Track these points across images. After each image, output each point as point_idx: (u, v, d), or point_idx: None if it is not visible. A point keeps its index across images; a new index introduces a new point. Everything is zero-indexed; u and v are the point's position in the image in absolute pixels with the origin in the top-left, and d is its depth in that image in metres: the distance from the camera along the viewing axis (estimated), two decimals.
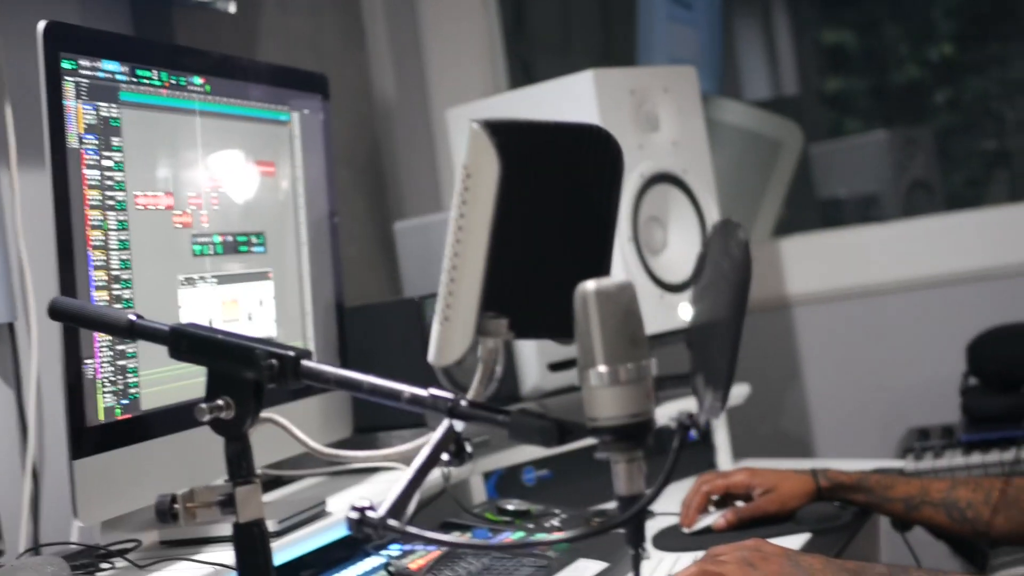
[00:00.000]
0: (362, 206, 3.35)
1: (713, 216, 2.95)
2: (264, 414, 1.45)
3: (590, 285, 1.27)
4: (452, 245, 1.32)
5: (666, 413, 1.36)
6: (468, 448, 1.38)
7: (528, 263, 1.39)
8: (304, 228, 2.35)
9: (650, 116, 2.90)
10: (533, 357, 2.69)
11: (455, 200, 1.33)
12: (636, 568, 1.33)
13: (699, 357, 1.45)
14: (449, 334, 1.34)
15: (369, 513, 1.31)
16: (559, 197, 1.41)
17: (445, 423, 1.34)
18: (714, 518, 2.32)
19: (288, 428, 1.45)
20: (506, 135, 1.32)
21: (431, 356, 1.35)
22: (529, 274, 1.39)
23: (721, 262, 1.41)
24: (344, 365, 2.34)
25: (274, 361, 1.39)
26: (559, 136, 1.44)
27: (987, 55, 4.03)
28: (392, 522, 1.30)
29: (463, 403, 1.32)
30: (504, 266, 1.34)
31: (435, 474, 2.30)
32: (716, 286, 1.46)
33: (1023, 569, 2.23)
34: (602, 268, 1.46)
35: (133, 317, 1.53)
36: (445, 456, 1.36)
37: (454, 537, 1.53)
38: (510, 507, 2.38)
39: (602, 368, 1.26)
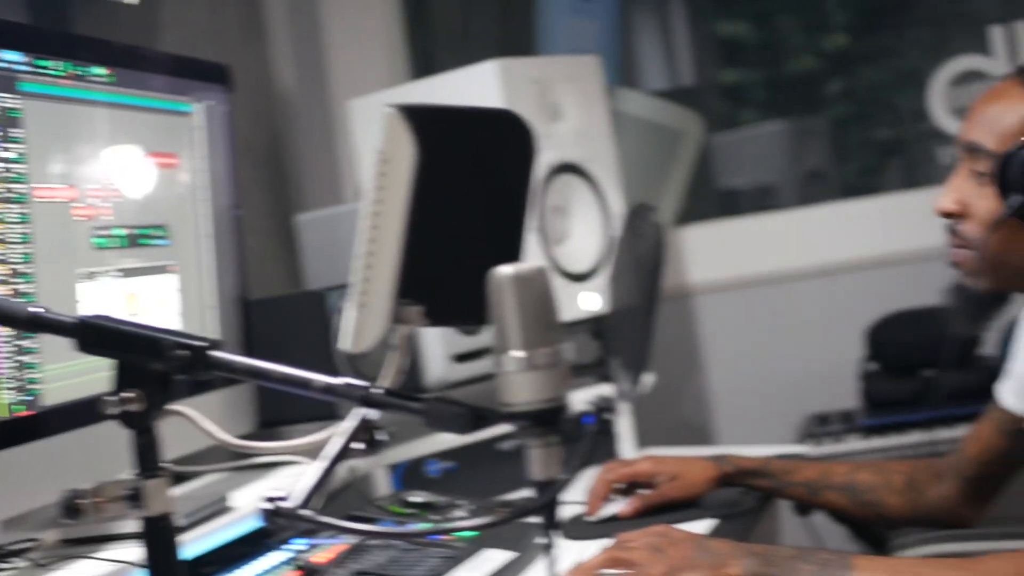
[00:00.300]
0: (262, 198, 3.33)
1: (616, 206, 2.96)
2: (173, 407, 1.43)
3: (506, 270, 1.27)
4: (367, 231, 1.31)
5: (576, 400, 1.36)
6: (382, 437, 1.37)
7: (443, 249, 1.38)
8: (207, 221, 2.32)
9: (553, 106, 2.91)
10: (438, 348, 2.69)
11: (370, 185, 1.32)
12: (548, 551, 1.33)
13: (613, 341, 1.46)
14: (364, 321, 1.33)
15: (282, 504, 1.29)
16: (473, 182, 1.41)
17: (359, 412, 1.33)
18: (619, 506, 2.33)
19: (196, 420, 1.43)
20: (421, 119, 1.32)
21: (345, 343, 1.33)
22: (444, 260, 1.39)
23: (635, 247, 1.42)
24: (249, 357, 2.32)
25: (183, 351, 1.37)
26: (473, 121, 1.44)
27: (881, 45, 4.08)
28: (306, 511, 1.29)
29: (377, 391, 1.31)
30: (419, 252, 1.33)
31: (340, 468, 2.30)
32: (630, 271, 1.47)
33: (924, 549, 2.27)
34: (516, 254, 1.46)
35: (36, 310, 1.50)
36: (359, 445, 1.35)
37: (368, 525, 1.52)
38: (415, 499, 2.37)
39: (518, 353, 1.26)
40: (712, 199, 4.12)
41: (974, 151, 1.88)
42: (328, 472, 1.33)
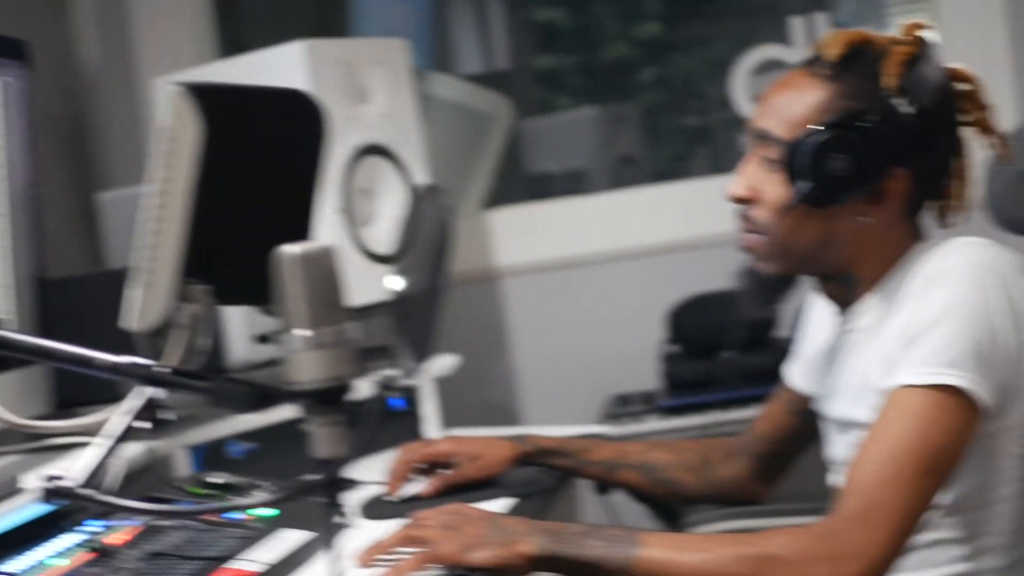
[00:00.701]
0: (64, 176, 3.27)
1: (412, 192, 2.97)
2: None
3: (292, 249, 1.27)
4: (153, 209, 1.31)
5: (362, 381, 1.37)
6: (168, 416, 1.37)
7: (230, 228, 1.38)
8: (3, 199, 2.28)
9: (361, 88, 2.91)
10: (240, 329, 2.67)
11: (157, 163, 1.32)
12: (329, 526, 1.34)
13: (401, 322, 1.47)
14: (149, 299, 1.33)
15: (63, 483, 1.29)
16: (262, 162, 1.41)
17: (143, 391, 1.33)
18: (420, 485, 2.35)
19: None
20: (208, 98, 1.31)
21: (129, 321, 1.33)
22: (231, 240, 1.39)
23: (424, 228, 1.44)
24: (46, 337, 2.28)
25: None
26: (263, 100, 1.44)
27: (692, 35, 4.15)
28: (85, 491, 1.28)
29: (162, 370, 1.31)
30: (206, 231, 1.33)
31: (138, 449, 2.28)
32: (419, 251, 1.48)
33: (717, 525, 2.32)
34: (304, 233, 1.46)
35: None
36: (144, 425, 1.35)
37: (144, 504, 1.51)
38: (215, 480, 2.35)
39: (303, 331, 1.27)
40: (524, 183, 4.15)
41: (764, 138, 1.93)
42: (111, 451, 1.33)
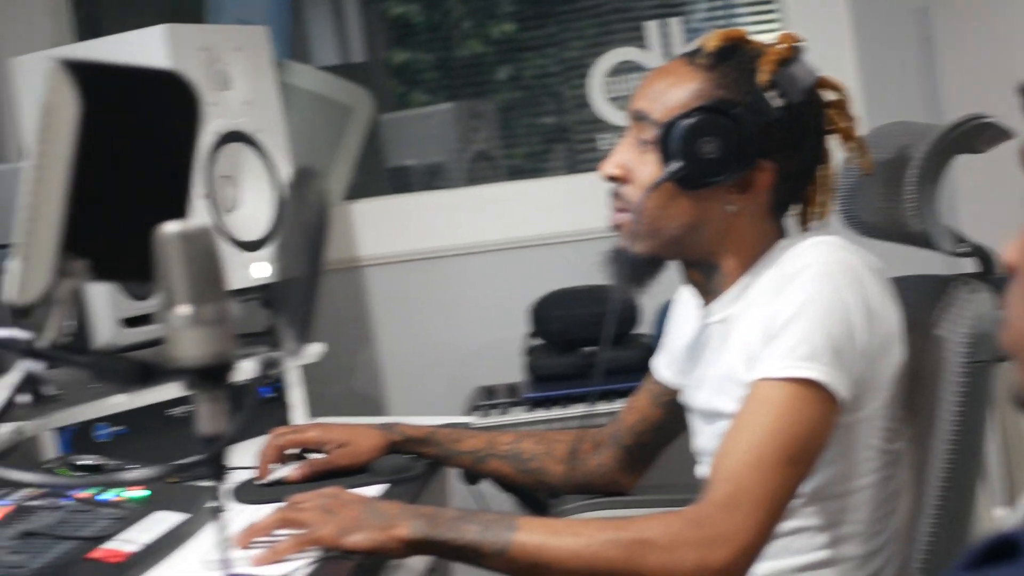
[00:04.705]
0: None
1: (286, 176, 2.96)
2: None
3: (172, 226, 1.26)
4: (31, 183, 1.29)
5: (246, 368, 1.37)
6: (49, 391, 1.34)
7: (108, 204, 1.37)
8: None
9: (222, 74, 2.89)
10: (106, 312, 2.64)
11: (33, 138, 1.30)
12: (216, 502, 1.33)
13: (280, 304, 1.47)
14: (27, 273, 1.31)
15: None
16: (138, 139, 1.39)
17: (22, 365, 1.30)
18: (288, 470, 2.34)
19: None
20: (85, 74, 1.30)
21: (8, 295, 1.31)
22: (110, 216, 1.37)
23: (299, 212, 1.43)
24: None
25: None
26: (139, 79, 1.43)
27: (546, 35, 4.17)
28: None
29: (42, 344, 1.29)
30: (84, 206, 1.32)
31: (4, 429, 2.24)
32: (297, 235, 1.48)
33: (583, 516, 2.34)
34: (182, 212, 1.45)
35: None
36: (24, 399, 1.32)
37: (30, 475, 1.49)
38: (83, 462, 2.32)
39: (184, 308, 1.26)
40: (383, 176, 4.15)
41: (641, 119, 1.97)
42: None
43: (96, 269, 1.37)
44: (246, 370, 1.36)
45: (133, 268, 1.37)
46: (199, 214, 2.73)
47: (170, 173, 1.45)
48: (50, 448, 2.45)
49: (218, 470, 1.31)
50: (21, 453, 2.30)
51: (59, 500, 2.01)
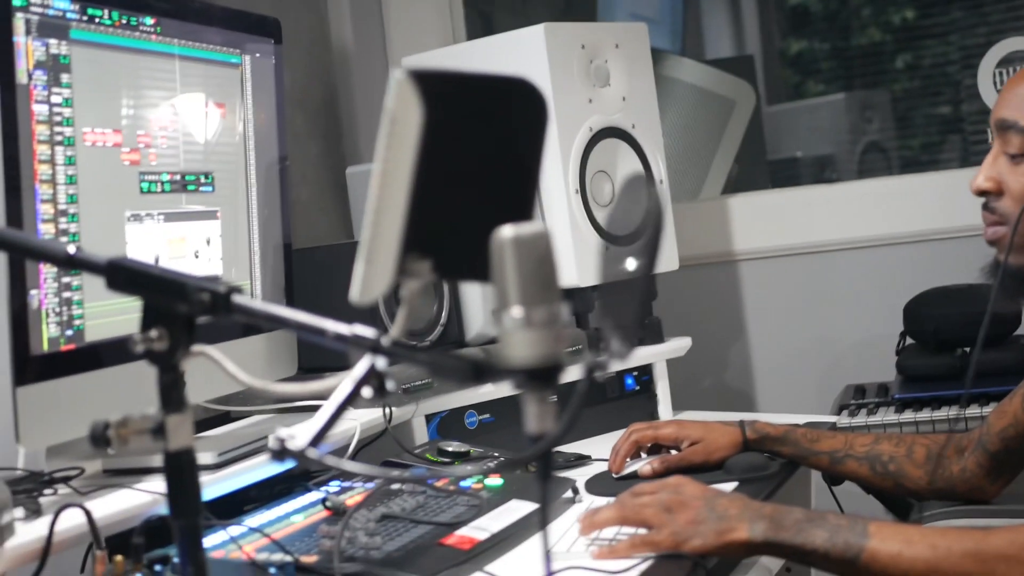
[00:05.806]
0: (316, 150, 3.39)
1: (661, 171, 2.99)
2: (197, 347, 1.49)
3: (507, 230, 1.31)
4: (376, 187, 1.37)
5: (580, 365, 1.40)
6: (391, 386, 1.42)
7: (451, 208, 1.43)
8: (253, 170, 2.39)
9: (600, 71, 2.95)
10: (479, 303, 2.75)
11: (379, 144, 1.37)
12: (544, 498, 1.38)
13: (609, 305, 1.50)
14: (371, 273, 1.38)
15: (289, 444, 1.36)
16: (483, 145, 1.45)
17: (366, 360, 1.38)
18: (642, 464, 2.38)
19: (219, 361, 1.49)
20: (430, 84, 1.36)
21: (354, 294, 1.39)
22: (451, 218, 1.44)
23: (632, 215, 1.46)
24: (290, 304, 2.39)
25: (205, 295, 1.43)
26: (484, 87, 1.48)
27: (948, 21, 4.06)
28: (309, 451, 1.35)
29: (385, 341, 1.37)
30: (426, 209, 1.38)
31: (377, 415, 2.37)
32: (635, 238, 1.51)
33: (946, 522, 2.28)
34: (525, 214, 1.50)
35: (72, 249, 1.57)
36: (367, 392, 1.40)
37: (364, 467, 1.58)
38: (450, 448, 2.42)
39: (517, 310, 1.30)
40: (764, 169, 4.13)
41: (1006, 128, 1.90)
42: (334, 416, 1.39)
43: (439, 269, 1.44)
44: (575, 371, 1.40)
45: (475, 268, 1.42)
46: (571, 209, 2.80)
47: (515, 176, 1.50)
48: (421, 433, 2.58)
49: (545, 468, 1.36)
50: (393, 438, 2.41)
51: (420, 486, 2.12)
